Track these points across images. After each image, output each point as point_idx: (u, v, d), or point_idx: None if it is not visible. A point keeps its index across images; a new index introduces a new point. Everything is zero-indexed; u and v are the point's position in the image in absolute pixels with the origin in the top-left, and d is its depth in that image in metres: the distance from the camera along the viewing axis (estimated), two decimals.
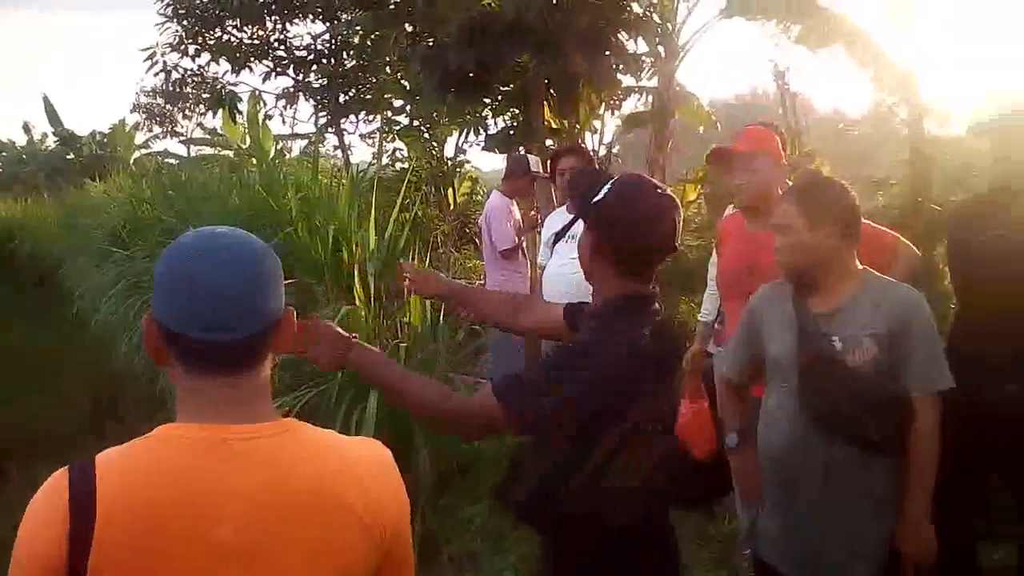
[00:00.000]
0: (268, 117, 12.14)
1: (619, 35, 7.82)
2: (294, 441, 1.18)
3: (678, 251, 1.90)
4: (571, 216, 4.37)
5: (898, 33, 8.25)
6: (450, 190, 10.56)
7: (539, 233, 5.24)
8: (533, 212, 6.26)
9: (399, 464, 1.30)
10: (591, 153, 4.54)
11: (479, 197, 11.44)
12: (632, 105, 8.80)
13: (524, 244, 5.62)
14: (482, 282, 6.46)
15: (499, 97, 8.85)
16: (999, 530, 3.26)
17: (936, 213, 5.14)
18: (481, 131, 8.79)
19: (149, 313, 1.14)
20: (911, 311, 2.17)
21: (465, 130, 9.16)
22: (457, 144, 10.85)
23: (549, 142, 8.42)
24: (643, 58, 8.21)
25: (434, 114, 9.47)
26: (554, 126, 8.94)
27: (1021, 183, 2.86)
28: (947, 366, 2.20)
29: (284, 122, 16.82)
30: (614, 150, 8.70)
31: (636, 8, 7.94)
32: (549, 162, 4.67)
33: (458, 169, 10.44)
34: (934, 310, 2.38)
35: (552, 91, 8.59)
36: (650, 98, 8.40)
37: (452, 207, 10.63)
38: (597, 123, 9.05)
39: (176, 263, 1.13)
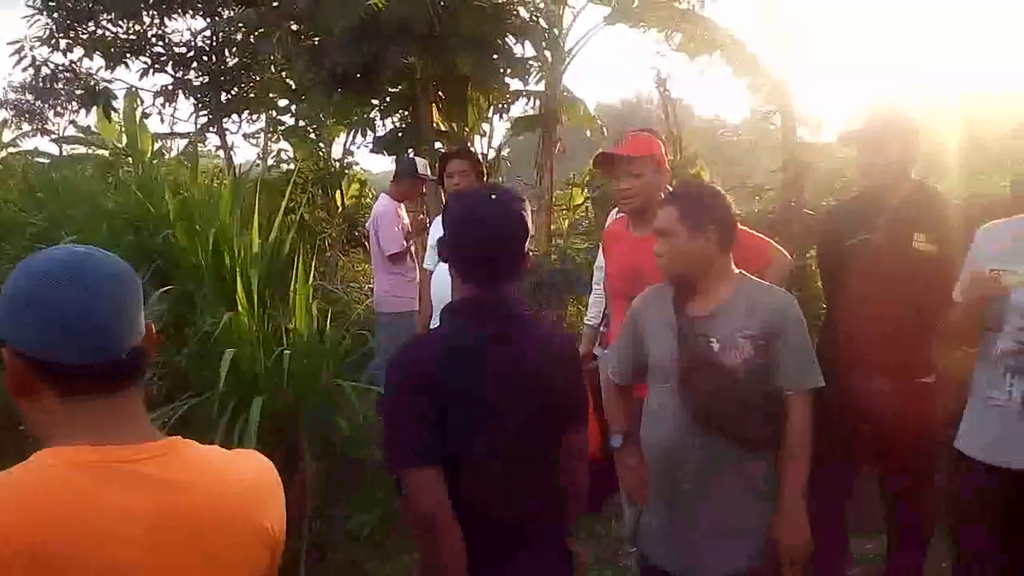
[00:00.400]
0: (146, 115, 11.62)
1: (506, 39, 7.88)
2: (182, 460, 1.16)
3: (528, 257, 1.90)
4: None
5: (772, 43, 8.59)
6: (338, 192, 10.38)
7: (428, 236, 5.21)
8: (421, 215, 6.24)
9: (285, 474, 1.30)
10: (479, 157, 4.54)
11: (368, 200, 11.29)
12: (521, 109, 8.88)
13: (413, 248, 5.58)
14: (371, 286, 6.40)
15: (387, 98, 8.77)
16: (869, 522, 3.43)
17: (809, 218, 5.36)
18: (369, 133, 8.69)
19: (8, 347, 1.10)
20: (783, 313, 2.26)
21: (353, 131, 9.03)
22: (344, 145, 10.71)
23: (438, 145, 8.41)
24: (530, 62, 8.30)
25: (320, 114, 9.30)
26: (442, 128, 8.93)
27: (884, 190, 3.03)
28: (818, 365, 2.30)
29: (163, 121, 16.10)
30: (504, 153, 8.74)
31: (523, 12, 8.02)
32: (438, 165, 4.65)
33: (346, 171, 10.27)
34: (807, 311, 2.49)
35: (440, 93, 8.59)
36: (538, 102, 8.49)
37: (340, 209, 10.45)
38: (486, 126, 9.10)
39: (40, 291, 1.09)
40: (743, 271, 2.39)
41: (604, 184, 6.76)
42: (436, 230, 4.46)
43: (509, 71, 8.05)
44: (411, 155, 6.56)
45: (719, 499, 2.30)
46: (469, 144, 8.84)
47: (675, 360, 2.30)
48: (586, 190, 7.32)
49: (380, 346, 5.25)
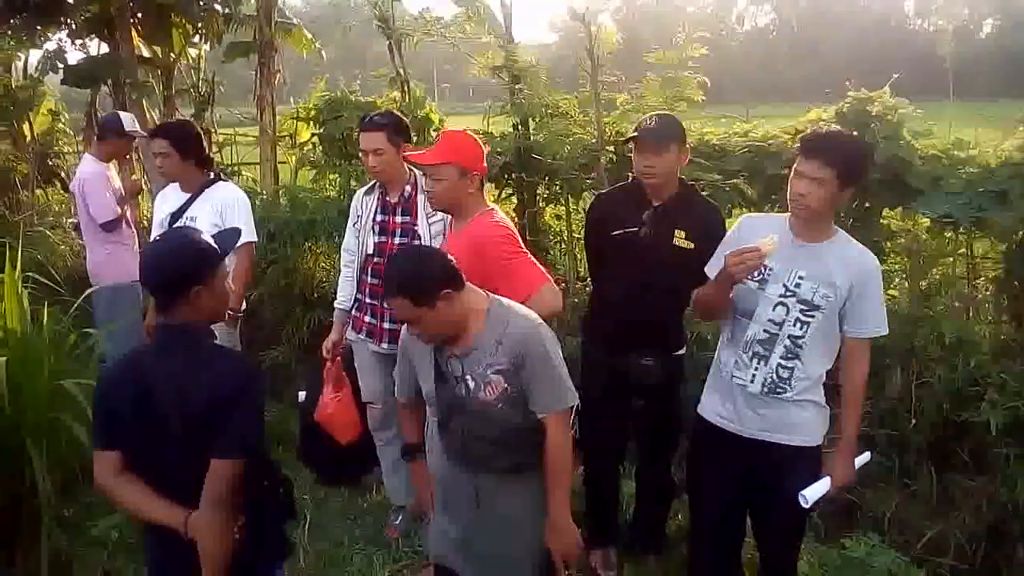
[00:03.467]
0: None
1: None
2: None
3: (202, 290, 2.17)
4: (186, 195, 4.11)
5: None
6: (26, 123, 9.21)
7: (153, 207, 4.82)
8: (135, 176, 5.76)
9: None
10: (188, 133, 4.20)
11: (63, 125, 10.15)
12: (234, 35, 8.26)
13: (128, 213, 5.17)
14: (81, 243, 5.87)
15: (82, 19, 7.81)
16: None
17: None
18: (59, 64, 7.72)
19: None
20: (525, 344, 2.37)
21: (41, 62, 7.98)
22: (26, 71, 9.45)
23: (142, 76, 7.70)
24: None
25: None
26: (146, 54, 8.16)
27: (653, 188, 3.29)
28: (568, 383, 2.45)
29: None
30: (221, 89, 8.14)
31: None
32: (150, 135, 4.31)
33: (33, 100, 9.08)
34: None
35: (140, 15, 7.81)
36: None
37: (29, 140, 9.30)
38: (195, 52, 8.40)
39: None
40: (494, 296, 2.47)
41: (332, 121, 6.59)
42: (164, 204, 4.16)
43: None
44: (116, 111, 5.96)
45: (492, 527, 2.47)
46: (174, 71, 8.17)
47: (434, 401, 2.40)
48: (313, 125, 7.04)
49: (99, 320, 4.89)
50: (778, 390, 2.77)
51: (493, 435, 2.37)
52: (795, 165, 2.69)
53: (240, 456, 2.12)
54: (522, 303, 2.62)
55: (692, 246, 3.22)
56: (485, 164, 3.15)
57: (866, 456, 2.95)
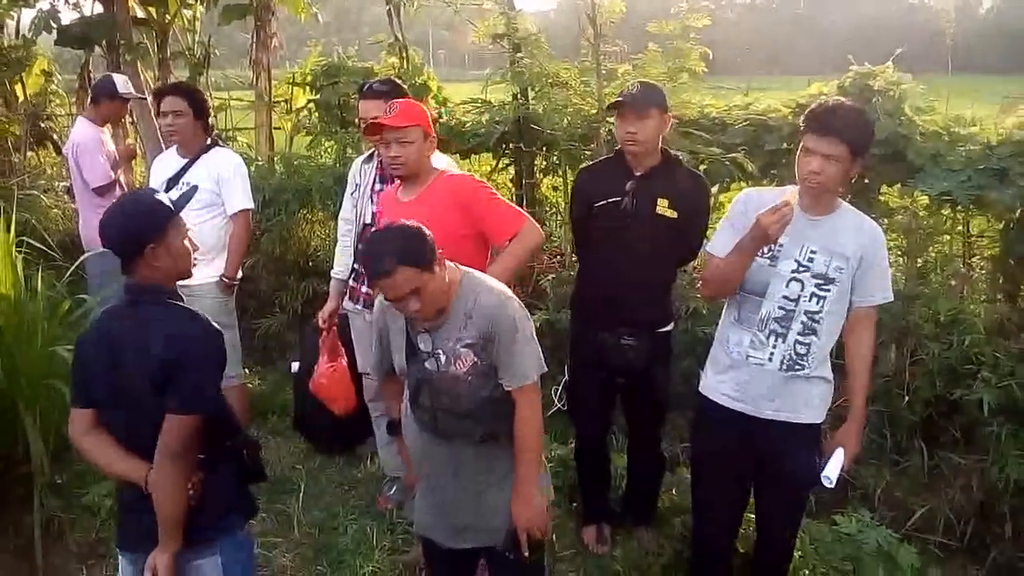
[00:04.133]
0: None
1: None
2: None
3: (151, 250, 2.23)
4: (184, 159, 4.07)
5: None
6: (18, 84, 9.09)
7: (149, 173, 4.79)
8: (130, 141, 5.69)
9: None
10: (199, 93, 4.18)
11: (56, 87, 10.02)
12: None
13: (123, 178, 5.12)
14: (66, 184, 5.81)
15: None
16: None
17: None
18: (53, 24, 7.60)
19: None
20: (494, 319, 2.36)
21: (35, 22, 7.85)
22: (19, 31, 9.31)
23: (137, 38, 7.59)
24: None
25: None
26: (140, 16, 8.04)
27: (635, 157, 3.26)
28: (538, 357, 2.43)
29: None
30: (215, 52, 8.03)
31: None
32: (153, 99, 4.25)
33: (26, 61, 8.94)
34: None
35: None
36: None
37: (21, 101, 9.18)
38: (189, 14, 8.27)
39: None
40: (466, 268, 2.46)
41: (328, 87, 6.52)
42: (162, 169, 4.12)
43: None
44: (110, 73, 5.88)
45: (467, 488, 2.49)
46: (169, 34, 8.07)
47: (405, 376, 2.42)
48: (309, 91, 6.96)
49: (92, 285, 4.86)
50: (796, 367, 2.77)
51: (463, 409, 2.37)
52: (804, 142, 2.66)
53: (191, 412, 2.17)
54: (512, 238, 2.81)
55: (675, 215, 3.21)
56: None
57: None
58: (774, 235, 2.56)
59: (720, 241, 2.85)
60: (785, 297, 2.75)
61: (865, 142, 2.65)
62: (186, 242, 2.33)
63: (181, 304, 2.31)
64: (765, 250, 2.69)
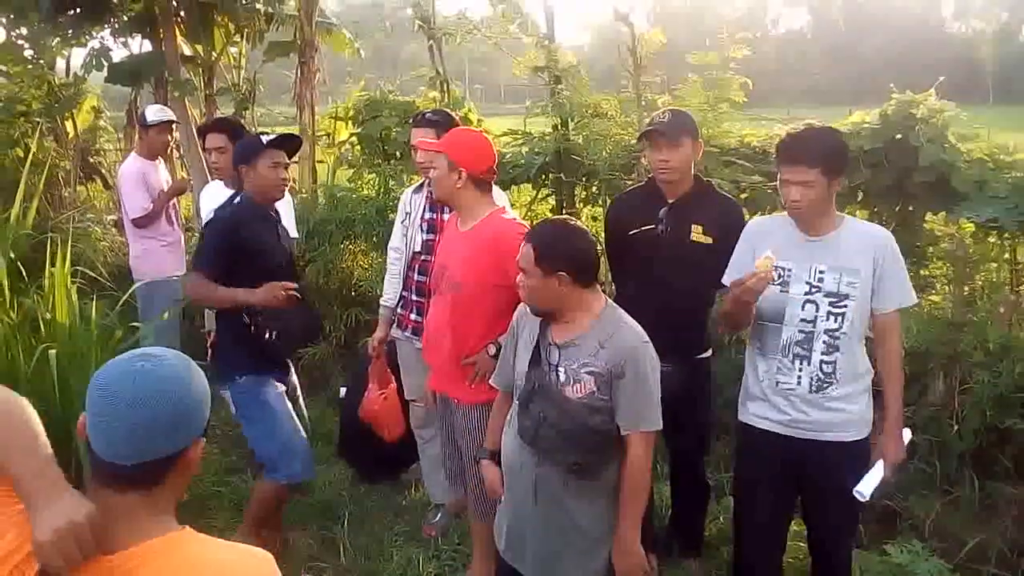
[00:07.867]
0: None
1: None
2: (176, 563, 1.31)
3: None
4: (231, 191, 4.17)
5: None
6: (69, 121, 9.35)
7: (196, 201, 4.90)
8: (183, 175, 5.82)
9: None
10: (242, 126, 4.29)
11: (105, 123, 10.30)
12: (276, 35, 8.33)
13: (172, 210, 5.23)
14: (123, 239, 5.94)
15: (125, 18, 7.92)
16: None
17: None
18: (104, 62, 7.83)
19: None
20: (629, 357, 2.38)
21: (85, 59, 8.10)
22: (70, 69, 9.59)
23: (184, 74, 7.78)
24: None
25: (40, 36, 8.27)
26: (188, 53, 8.26)
27: (669, 184, 3.28)
28: (659, 408, 2.45)
29: None
30: (260, 88, 8.22)
31: None
32: (197, 135, 4.36)
33: (77, 98, 9.21)
34: None
35: (182, 14, 7.90)
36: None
37: (72, 136, 9.44)
38: (235, 51, 8.47)
39: (97, 393, 1.34)
40: (612, 303, 2.50)
41: (371, 121, 6.64)
42: (208, 201, 4.21)
43: None
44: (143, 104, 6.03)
45: (548, 519, 2.48)
46: (215, 72, 8.25)
47: (522, 380, 2.43)
48: (351, 124, 7.10)
49: (141, 315, 4.96)
50: (825, 385, 2.77)
51: (566, 427, 2.36)
52: (780, 173, 2.74)
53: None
54: None
55: (711, 240, 3.22)
56: (487, 169, 3.11)
57: (908, 433, 2.94)
58: (757, 294, 2.65)
59: (728, 274, 2.94)
60: (803, 320, 2.78)
61: (837, 161, 2.70)
62: None
63: None
64: (776, 277, 2.72)
